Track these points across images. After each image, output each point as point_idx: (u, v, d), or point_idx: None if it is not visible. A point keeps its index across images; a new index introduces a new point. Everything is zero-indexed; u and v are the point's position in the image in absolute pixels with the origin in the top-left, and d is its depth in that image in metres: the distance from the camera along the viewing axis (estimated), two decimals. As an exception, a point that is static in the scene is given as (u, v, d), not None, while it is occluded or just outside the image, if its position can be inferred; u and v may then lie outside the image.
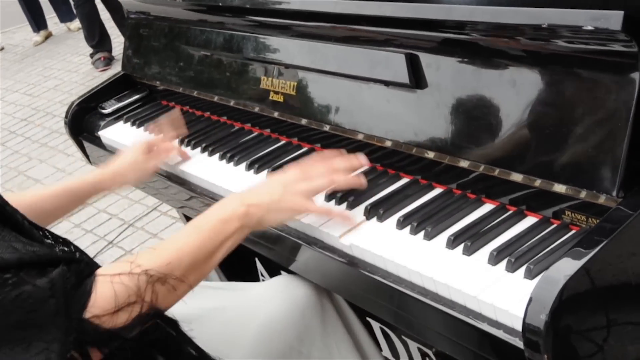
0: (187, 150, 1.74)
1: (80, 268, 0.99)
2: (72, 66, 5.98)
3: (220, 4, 1.70)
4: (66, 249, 1.08)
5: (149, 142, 1.68)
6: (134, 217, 3.36)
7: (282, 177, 1.27)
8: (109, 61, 5.58)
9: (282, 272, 1.95)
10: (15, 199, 1.34)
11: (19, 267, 0.92)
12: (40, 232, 1.08)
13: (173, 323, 1.14)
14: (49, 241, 1.08)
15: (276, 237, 1.36)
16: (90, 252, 3.16)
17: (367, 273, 1.19)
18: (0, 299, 0.89)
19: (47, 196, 1.49)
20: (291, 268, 1.40)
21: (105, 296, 0.98)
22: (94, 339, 0.96)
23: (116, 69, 5.30)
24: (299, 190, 1.25)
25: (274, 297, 1.40)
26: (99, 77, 5.29)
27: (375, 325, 1.59)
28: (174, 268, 1.07)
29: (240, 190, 1.28)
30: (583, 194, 1.06)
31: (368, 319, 1.58)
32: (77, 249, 1.13)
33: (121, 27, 5.47)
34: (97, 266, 1.06)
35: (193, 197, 1.67)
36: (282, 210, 1.24)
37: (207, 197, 1.59)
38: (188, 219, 2.28)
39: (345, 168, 1.32)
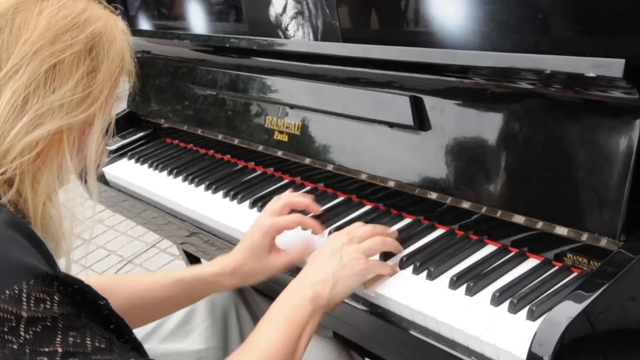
0: (191, 187, 1.75)
1: None
2: (74, 103, 6.02)
3: (226, 45, 1.73)
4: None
5: (273, 223, 1.32)
6: (132, 254, 3.36)
7: (331, 246, 1.19)
8: (111, 99, 5.61)
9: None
10: (130, 283, 1.30)
11: None
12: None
13: None
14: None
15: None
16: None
17: (368, 312, 1.19)
18: None
19: (160, 284, 1.31)
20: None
21: None
22: None
23: (117, 106, 5.34)
24: (355, 251, 1.17)
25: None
26: (101, 114, 5.31)
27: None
28: None
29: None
30: (585, 237, 1.07)
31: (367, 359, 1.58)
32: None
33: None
34: None
35: (194, 233, 1.68)
36: (347, 276, 1.15)
37: (209, 233, 1.60)
38: (188, 255, 2.29)
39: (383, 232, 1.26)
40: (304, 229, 1.38)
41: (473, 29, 1.23)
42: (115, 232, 3.61)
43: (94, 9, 0.98)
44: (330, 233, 1.38)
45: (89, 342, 0.85)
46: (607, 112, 1.03)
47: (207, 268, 1.32)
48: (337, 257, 1.16)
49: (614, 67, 0.97)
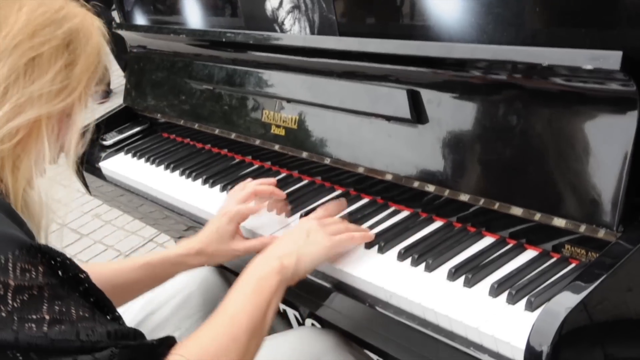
0: (188, 181, 1.76)
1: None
2: (69, 98, 6.01)
3: (223, 40, 1.73)
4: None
5: (238, 210, 1.43)
6: (130, 249, 3.36)
7: (300, 227, 1.28)
8: (106, 94, 5.61)
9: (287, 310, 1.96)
10: (98, 270, 1.32)
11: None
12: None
13: None
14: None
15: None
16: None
17: (368, 304, 1.20)
18: None
19: (127, 269, 1.38)
20: (299, 303, 1.40)
21: None
22: None
23: (114, 101, 5.34)
24: (323, 233, 1.25)
25: (299, 349, 1.37)
26: (97, 110, 5.29)
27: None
28: (234, 346, 1.05)
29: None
30: (582, 228, 1.08)
31: (366, 351, 1.59)
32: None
33: (119, 61, 5.51)
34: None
35: (191, 227, 1.69)
36: (312, 252, 1.22)
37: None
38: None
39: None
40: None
41: (470, 22, 1.23)
42: (112, 227, 3.61)
43: (72, 7, 1.05)
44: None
45: (73, 311, 0.90)
46: (604, 104, 1.03)
47: (173, 250, 1.40)
48: (304, 235, 1.24)
49: (612, 59, 0.97)
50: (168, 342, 1.00)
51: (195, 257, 1.39)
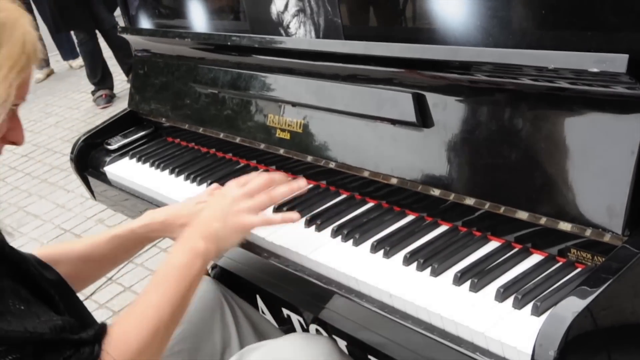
0: (193, 186, 1.76)
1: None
2: (74, 103, 6.02)
3: (228, 43, 1.73)
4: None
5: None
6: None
7: (221, 198, 1.32)
8: (110, 98, 5.62)
9: (283, 309, 1.96)
10: (69, 248, 1.43)
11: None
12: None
13: None
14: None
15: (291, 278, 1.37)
16: (90, 289, 3.15)
17: (374, 309, 1.19)
18: None
19: (96, 244, 1.45)
20: (303, 308, 1.40)
21: None
22: None
23: (117, 106, 5.35)
24: (240, 209, 1.29)
25: (291, 356, 1.37)
26: (100, 115, 5.32)
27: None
28: (156, 337, 1.14)
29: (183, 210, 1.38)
30: (588, 232, 1.07)
31: (371, 357, 1.58)
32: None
33: (123, 65, 5.53)
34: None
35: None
36: (229, 235, 1.28)
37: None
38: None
39: (283, 181, 1.38)
40: None
41: (475, 26, 1.23)
42: (115, 232, 3.61)
43: (2, 3, 1.09)
44: (333, 230, 1.38)
45: (11, 304, 0.98)
46: (610, 107, 1.03)
47: (137, 222, 1.46)
48: (222, 216, 1.28)
49: (618, 62, 0.97)
50: (101, 333, 1.08)
51: (159, 227, 1.44)
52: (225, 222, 1.28)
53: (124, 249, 1.47)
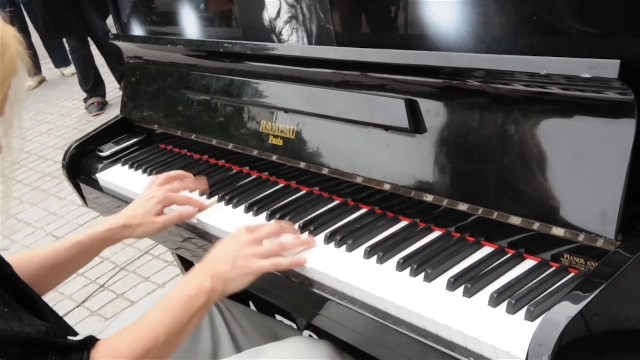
0: (185, 192, 1.75)
1: None
2: (65, 111, 6.01)
3: (220, 50, 1.73)
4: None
5: (166, 196, 1.61)
6: (125, 260, 3.35)
7: (232, 241, 1.34)
8: (102, 106, 5.61)
9: (276, 315, 1.95)
10: (31, 255, 1.48)
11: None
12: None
13: None
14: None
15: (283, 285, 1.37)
16: (82, 296, 3.16)
17: (367, 314, 1.19)
18: None
19: (59, 251, 1.50)
20: (297, 314, 1.40)
21: None
22: None
23: (109, 113, 5.34)
24: (250, 253, 1.31)
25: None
26: (92, 122, 5.31)
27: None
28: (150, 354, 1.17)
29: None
30: (581, 238, 1.07)
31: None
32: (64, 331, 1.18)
33: (115, 73, 5.52)
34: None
35: (188, 238, 1.68)
36: (237, 277, 1.30)
37: (204, 238, 1.60)
38: (183, 260, 2.28)
39: (291, 230, 1.42)
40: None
41: (467, 32, 1.23)
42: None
43: None
44: (326, 236, 1.38)
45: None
46: (602, 112, 1.04)
47: (99, 227, 1.54)
48: (232, 259, 1.30)
49: (609, 67, 0.98)
50: (88, 342, 1.11)
51: (120, 231, 1.54)
52: (235, 264, 1.30)
53: (85, 254, 1.54)
